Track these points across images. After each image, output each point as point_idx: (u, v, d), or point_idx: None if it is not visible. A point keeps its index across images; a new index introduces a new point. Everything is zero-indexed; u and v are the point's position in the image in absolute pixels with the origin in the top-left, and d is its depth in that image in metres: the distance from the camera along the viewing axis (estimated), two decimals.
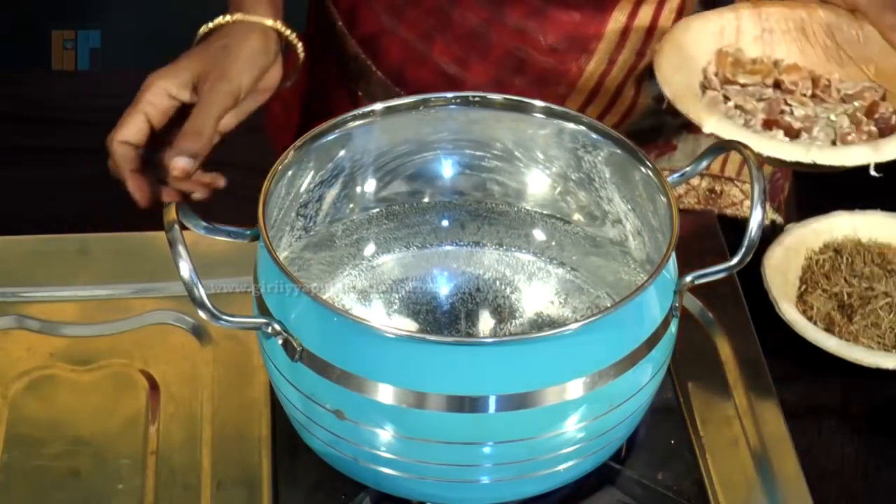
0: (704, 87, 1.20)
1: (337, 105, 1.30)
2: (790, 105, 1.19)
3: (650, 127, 1.29)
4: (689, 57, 1.20)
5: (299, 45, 1.09)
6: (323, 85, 1.33)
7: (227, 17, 1.09)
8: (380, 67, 1.27)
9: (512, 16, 1.21)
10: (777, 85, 1.21)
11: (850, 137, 1.15)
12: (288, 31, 1.08)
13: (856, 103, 1.19)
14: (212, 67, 1.04)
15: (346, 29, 1.29)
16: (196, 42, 1.08)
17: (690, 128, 1.28)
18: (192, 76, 1.04)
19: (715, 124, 1.12)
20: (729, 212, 1.31)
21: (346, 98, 1.29)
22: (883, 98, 1.20)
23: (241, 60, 1.04)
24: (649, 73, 1.22)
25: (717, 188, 1.31)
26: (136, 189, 1.01)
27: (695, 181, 1.30)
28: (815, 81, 1.22)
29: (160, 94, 1.05)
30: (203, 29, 1.09)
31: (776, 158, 1.11)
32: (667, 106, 1.17)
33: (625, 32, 1.22)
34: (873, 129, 1.16)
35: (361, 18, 1.27)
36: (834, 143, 1.16)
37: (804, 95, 1.20)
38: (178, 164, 0.99)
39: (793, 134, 1.16)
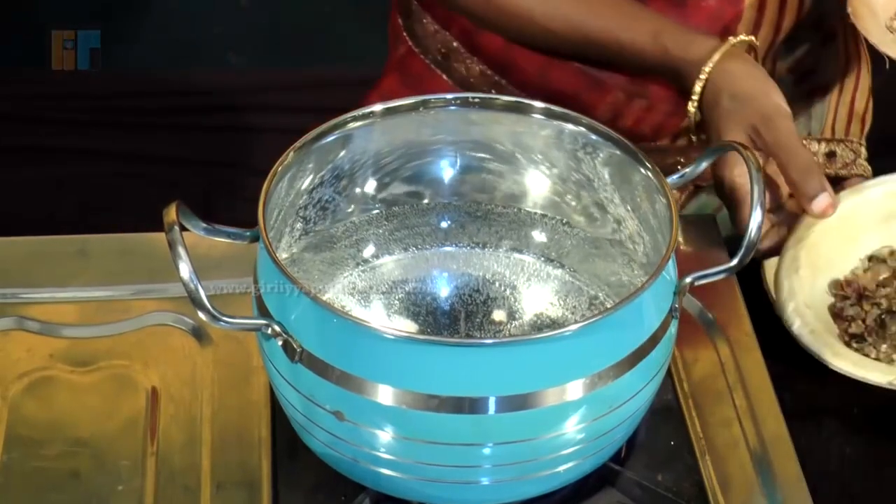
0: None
1: None
2: None
3: None
4: None
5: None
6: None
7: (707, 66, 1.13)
8: (511, 81, 1.28)
9: (653, 8, 1.21)
10: None
11: None
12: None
13: None
14: (754, 111, 1.09)
15: (467, 49, 1.29)
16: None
17: (806, 96, 1.32)
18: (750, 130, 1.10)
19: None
20: (843, 172, 1.33)
21: None
22: None
23: (748, 82, 1.11)
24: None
25: (833, 150, 1.33)
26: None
27: (814, 146, 1.33)
28: None
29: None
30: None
31: None
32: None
33: (760, 9, 1.23)
34: None
35: (485, 38, 1.28)
36: None
37: None
38: (824, 203, 1.07)
39: None
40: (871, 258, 1.15)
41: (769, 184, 1.12)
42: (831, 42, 1.32)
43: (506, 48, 1.27)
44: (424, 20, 1.31)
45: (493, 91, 1.29)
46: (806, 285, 1.06)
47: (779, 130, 1.09)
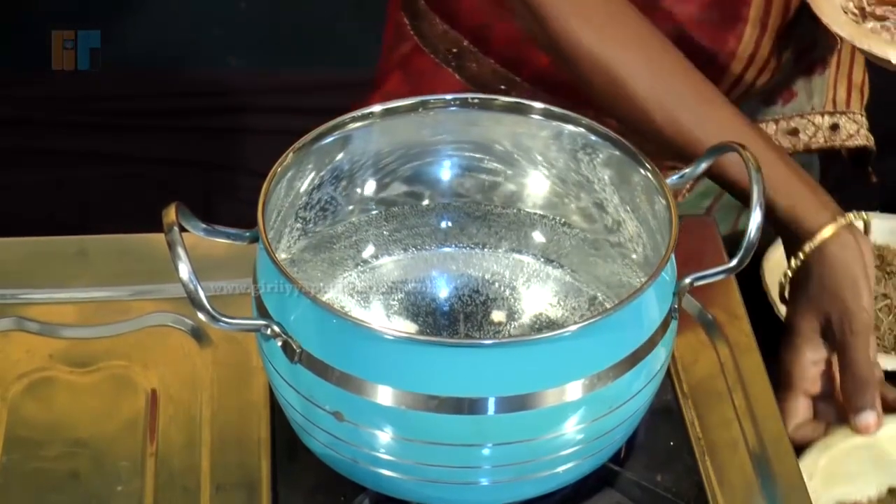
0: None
1: None
2: None
3: (783, 79, 1.31)
4: None
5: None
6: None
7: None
8: (524, 77, 1.28)
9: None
10: None
11: None
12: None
13: None
14: (837, 307, 1.07)
15: (477, 46, 1.28)
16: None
17: (804, 72, 1.32)
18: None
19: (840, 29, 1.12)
20: (848, 143, 1.34)
21: None
22: None
23: (844, 276, 1.08)
24: None
25: (835, 122, 1.34)
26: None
27: (818, 120, 1.33)
28: None
29: (807, 366, 1.08)
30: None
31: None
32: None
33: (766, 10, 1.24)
34: None
35: (496, 34, 1.28)
36: None
37: None
38: (869, 420, 1.05)
39: None
40: (892, 490, 1.10)
41: (828, 375, 1.11)
42: None
43: (517, 44, 1.27)
44: (432, 20, 1.31)
45: (506, 87, 1.28)
46: (813, 494, 1.04)
47: (852, 335, 1.07)
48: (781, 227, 1.12)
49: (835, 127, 1.34)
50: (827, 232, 1.09)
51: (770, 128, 1.34)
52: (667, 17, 1.21)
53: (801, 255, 1.10)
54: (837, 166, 1.39)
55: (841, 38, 1.15)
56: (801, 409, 1.09)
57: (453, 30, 1.29)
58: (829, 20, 1.13)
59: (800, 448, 1.07)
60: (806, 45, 1.31)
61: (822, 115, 1.35)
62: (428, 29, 1.31)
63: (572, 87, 1.22)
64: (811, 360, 1.09)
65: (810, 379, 1.09)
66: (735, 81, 1.27)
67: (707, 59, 1.23)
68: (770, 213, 1.10)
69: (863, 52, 1.13)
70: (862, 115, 1.37)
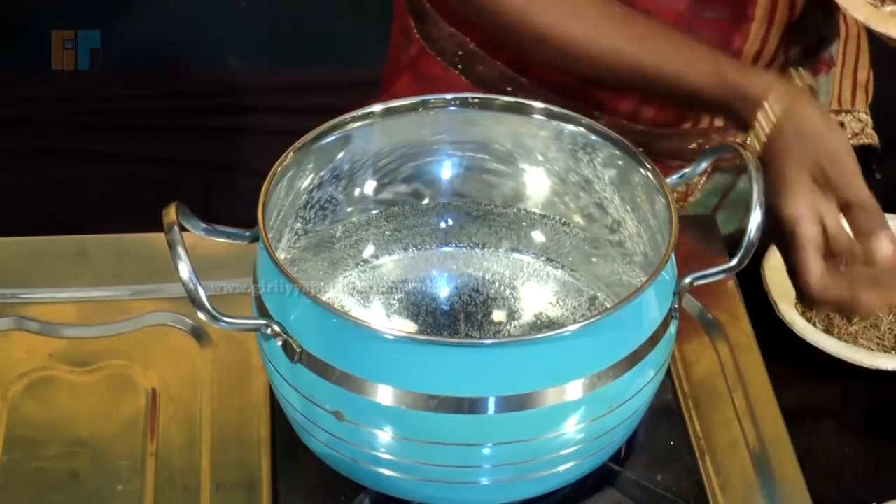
0: None
1: None
2: None
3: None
4: None
5: None
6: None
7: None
8: (531, 77, 1.27)
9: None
10: None
11: None
12: None
13: None
14: (821, 149, 1.06)
15: (484, 49, 1.28)
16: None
17: (812, 70, 1.31)
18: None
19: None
20: (853, 142, 1.33)
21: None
22: None
23: (813, 119, 1.07)
24: None
25: (841, 121, 1.35)
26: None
27: (864, 117, 1.33)
28: None
29: (811, 213, 1.05)
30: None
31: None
32: None
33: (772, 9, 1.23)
34: None
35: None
36: None
37: None
38: (882, 242, 1.02)
39: None
40: None
41: (839, 236, 1.08)
42: (832, 16, 1.32)
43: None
44: (439, 23, 1.31)
45: (512, 89, 1.28)
46: None
47: (845, 169, 1.07)
48: (733, 101, 1.11)
49: (840, 125, 1.34)
50: (781, 86, 1.09)
51: None
52: (674, 16, 1.21)
53: (766, 110, 1.09)
54: None
55: (857, 22, 1.14)
56: (817, 263, 1.05)
57: (459, 32, 1.29)
58: (847, 4, 1.12)
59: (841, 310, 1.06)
60: (812, 43, 1.31)
61: (829, 113, 1.35)
62: (434, 32, 1.31)
63: (577, 88, 1.22)
64: (812, 206, 1.06)
65: (816, 226, 1.06)
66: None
67: None
68: (719, 93, 1.11)
69: (880, 35, 1.11)
70: (867, 114, 1.37)
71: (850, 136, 1.35)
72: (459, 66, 1.30)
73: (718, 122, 1.28)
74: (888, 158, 1.42)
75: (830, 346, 1.13)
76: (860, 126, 1.35)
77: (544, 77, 1.26)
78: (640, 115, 1.26)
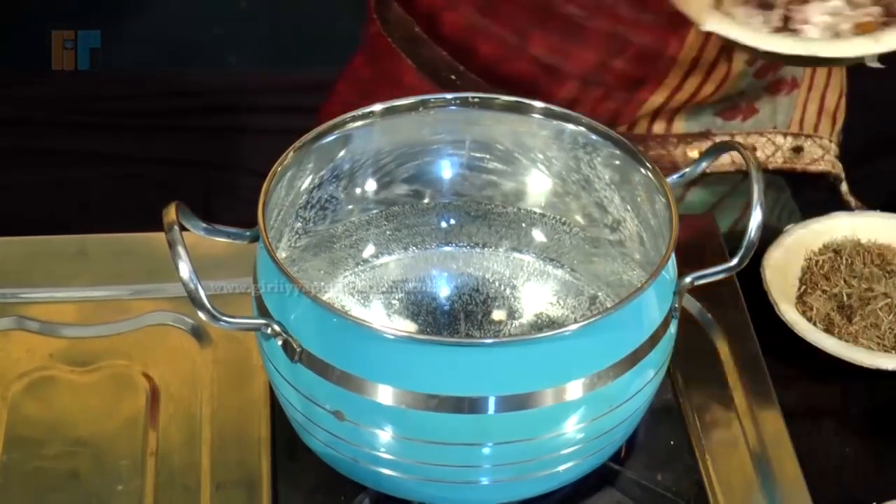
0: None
1: None
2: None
3: (738, 91, 1.30)
4: None
5: None
6: (398, 83, 1.32)
7: None
8: (470, 67, 1.27)
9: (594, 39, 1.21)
10: None
11: (844, 27, 1.11)
12: None
13: None
14: None
15: (427, 33, 1.29)
16: None
17: (769, 89, 1.30)
18: None
19: (714, 23, 1.09)
20: (811, 168, 1.32)
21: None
22: None
23: None
24: None
25: (799, 145, 1.32)
26: None
27: (779, 140, 1.32)
28: None
29: None
30: None
31: (775, 53, 1.08)
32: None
33: None
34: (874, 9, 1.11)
35: (446, 21, 1.28)
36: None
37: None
38: None
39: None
40: None
41: None
42: None
43: (466, 34, 1.27)
44: (392, 4, 1.32)
45: (453, 76, 1.28)
46: None
47: None
48: None
49: (798, 149, 1.33)
50: None
51: None
52: (609, 15, 1.21)
53: None
54: (810, 189, 1.37)
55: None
56: None
57: (409, 15, 1.30)
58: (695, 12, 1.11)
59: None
60: (770, 63, 1.30)
61: (785, 135, 1.33)
62: (388, 12, 1.32)
63: (516, 79, 1.23)
64: None
65: None
66: (676, 87, 1.26)
67: (648, 59, 1.23)
68: None
69: (719, 36, 1.10)
70: (831, 141, 1.35)
71: (808, 161, 1.33)
72: (407, 49, 1.30)
73: (658, 129, 1.28)
74: (887, 157, 1.43)
75: (830, 346, 1.13)
76: (820, 153, 1.33)
77: (485, 67, 1.26)
78: (578, 103, 1.26)
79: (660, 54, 1.23)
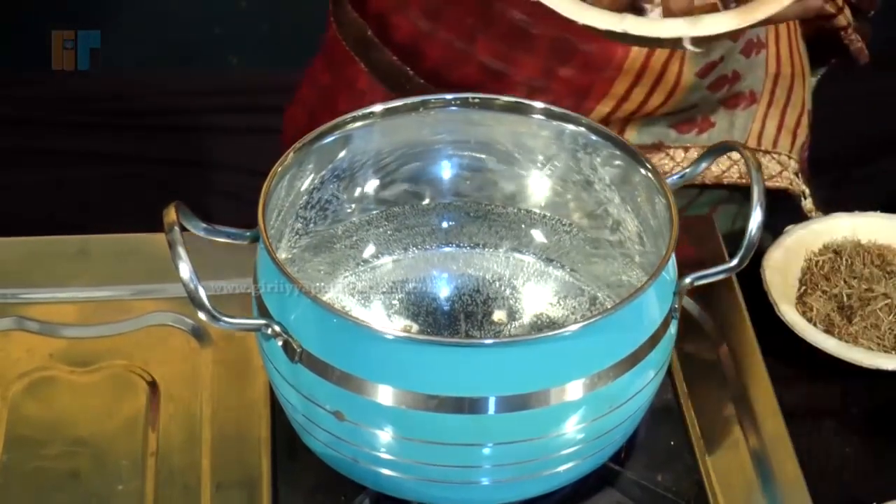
0: None
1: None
2: None
3: (691, 104, 1.29)
4: None
5: None
6: (352, 88, 1.32)
7: None
8: (419, 72, 1.27)
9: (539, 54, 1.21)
10: None
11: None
12: None
13: None
14: None
15: (378, 38, 1.29)
16: None
17: (726, 103, 1.29)
18: None
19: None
20: (768, 184, 1.29)
21: (381, 99, 1.30)
22: None
23: None
24: None
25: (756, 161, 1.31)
26: None
27: (735, 156, 1.28)
28: None
29: None
30: None
31: (591, 27, 1.07)
32: None
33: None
34: None
35: (395, 25, 1.27)
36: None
37: None
38: None
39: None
40: None
41: None
42: (756, 54, 1.31)
43: (414, 39, 1.26)
44: (346, 7, 1.32)
45: (402, 80, 1.28)
46: None
47: None
48: None
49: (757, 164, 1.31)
50: None
51: (678, 154, 1.29)
52: (554, 22, 1.20)
53: None
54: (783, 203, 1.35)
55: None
56: None
57: (361, 18, 1.30)
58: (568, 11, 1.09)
59: None
60: (722, 73, 1.29)
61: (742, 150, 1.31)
62: (343, 15, 1.32)
63: (463, 84, 1.22)
64: None
65: None
66: (623, 96, 1.25)
67: (593, 68, 1.23)
68: None
69: (586, 26, 1.09)
70: (790, 158, 1.32)
71: (765, 177, 1.31)
72: (360, 53, 1.30)
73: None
74: (887, 157, 1.42)
75: (830, 346, 1.13)
76: (778, 169, 1.31)
77: (432, 72, 1.26)
78: None
79: (605, 63, 1.23)
